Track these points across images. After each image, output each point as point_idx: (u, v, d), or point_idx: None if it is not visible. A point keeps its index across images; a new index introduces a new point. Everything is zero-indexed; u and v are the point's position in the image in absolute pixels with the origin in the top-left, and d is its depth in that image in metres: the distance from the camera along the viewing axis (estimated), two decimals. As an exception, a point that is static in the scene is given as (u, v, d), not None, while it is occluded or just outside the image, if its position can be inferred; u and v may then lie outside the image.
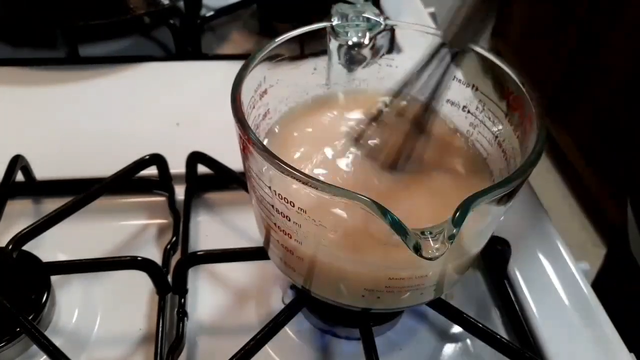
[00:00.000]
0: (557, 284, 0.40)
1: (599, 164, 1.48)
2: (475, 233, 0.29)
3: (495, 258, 0.42)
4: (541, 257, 0.42)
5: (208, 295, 0.39)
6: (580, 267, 0.42)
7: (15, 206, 0.43)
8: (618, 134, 1.40)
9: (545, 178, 1.61)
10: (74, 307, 0.38)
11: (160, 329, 0.35)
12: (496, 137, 0.33)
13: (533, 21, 1.78)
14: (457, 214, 0.23)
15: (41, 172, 0.45)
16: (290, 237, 0.28)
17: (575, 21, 1.52)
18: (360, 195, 0.23)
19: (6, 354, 0.34)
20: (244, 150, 0.28)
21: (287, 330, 0.37)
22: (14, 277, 0.37)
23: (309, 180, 0.24)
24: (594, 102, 1.49)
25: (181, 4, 0.64)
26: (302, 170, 0.24)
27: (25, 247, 0.37)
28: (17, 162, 0.43)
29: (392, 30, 0.34)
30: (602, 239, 1.46)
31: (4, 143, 0.49)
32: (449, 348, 0.37)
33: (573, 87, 1.57)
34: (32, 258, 0.37)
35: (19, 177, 0.43)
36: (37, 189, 0.45)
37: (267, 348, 0.35)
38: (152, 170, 0.44)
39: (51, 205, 0.41)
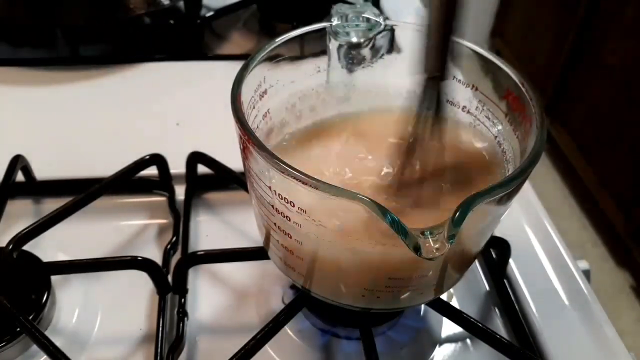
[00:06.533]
0: (557, 284, 0.40)
1: (599, 164, 1.48)
2: (475, 233, 0.29)
3: (495, 258, 0.42)
4: (541, 257, 0.42)
5: (208, 295, 0.39)
6: (580, 267, 0.42)
7: (15, 206, 0.43)
8: (618, 134, 1.40)
9: (545, 178, 1.61)
10: (74, 307, 0.38)
11: (161, 329, 0.35)
12: (496, 137, 0.33)
13: (533, 21, 1.78)
14: (457, 213, 0.22)
15: (41, 172, 0.45)
16: (290, 237, 0.28)
17: (575, 21, 1.52)
18: (360, 195, 0.23)
19: (6, 354, 0.34)
20: (244, 150, 0.28)
21: (287, 330, 0.37)
22: (14, 277, 0.37)
23: (308, 180, 0.24)
24: (594, 102, 1.49)
25: (181, 4, 0.64)
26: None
27: (25, 247, 0.37)
28: (17, 162, 0.43)
29: (392, 30, 0.34)
30: (602, 239, 1.46)
31: (4, 143, 0.49)
32: (449, 348, 0.37)
33: (573, 87, 1.58)
34: (32, 258, 0.37)
35: (19, 177, 0.43)
36: (37, 189, 0.45)
37: (267, 348, 0.35)
38: (152, 170, 0.44)
39: (51, 205, 0.41)
